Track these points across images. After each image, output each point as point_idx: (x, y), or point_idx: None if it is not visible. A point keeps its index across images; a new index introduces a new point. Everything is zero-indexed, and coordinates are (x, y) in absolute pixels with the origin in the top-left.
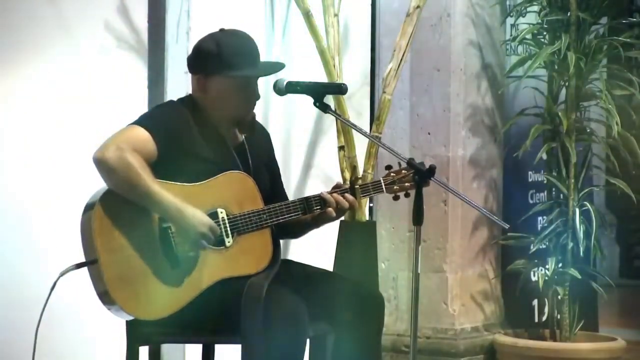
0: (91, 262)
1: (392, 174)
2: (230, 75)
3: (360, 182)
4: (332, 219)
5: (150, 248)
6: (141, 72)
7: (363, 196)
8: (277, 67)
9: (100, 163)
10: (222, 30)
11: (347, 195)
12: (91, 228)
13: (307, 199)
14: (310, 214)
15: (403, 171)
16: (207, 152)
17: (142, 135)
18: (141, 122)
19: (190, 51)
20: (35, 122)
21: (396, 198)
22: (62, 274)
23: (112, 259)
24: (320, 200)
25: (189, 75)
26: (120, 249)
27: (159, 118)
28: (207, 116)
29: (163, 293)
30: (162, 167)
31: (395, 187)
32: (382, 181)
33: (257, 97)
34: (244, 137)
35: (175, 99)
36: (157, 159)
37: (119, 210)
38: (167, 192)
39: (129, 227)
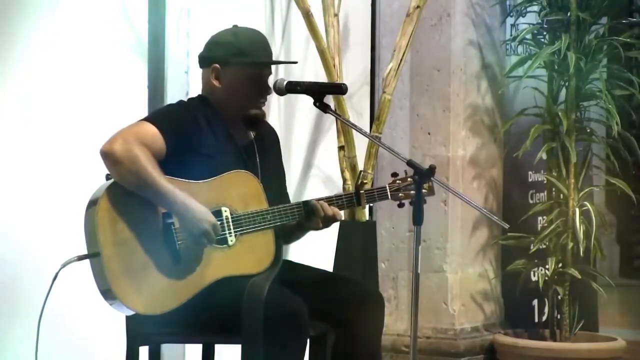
0: (93, 255)
1: (397, 181)
2: (246, 63)
3: (365, 187)
4: (316, 228)
5: (153, 243)
6: (141, 72)
7: (368, 202)
8: (289, 60)
9: (107, 155)
10: (235, 26)
11: (333, 207)
12: (94, 221)
13: (309, 202)
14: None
15: (409, 179)
16: (214, 151)
17: (151, 130)
18: (150, 118)
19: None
20: (35, 122)
21: (401, 205)
22: (63, 265)
23: (115, 253)
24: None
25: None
26: (123, 243)
27: (169, 116)
28: (218, 114)
29: (164, 288)
30: (169, 165)
31: (400, 194)
32: (387, 188)
33: (269, 90)
34: (253, 137)
35: (185, 99)
36: (164, 156)
37: (122, 204)
38: (173, 186)
39: (132, 222)
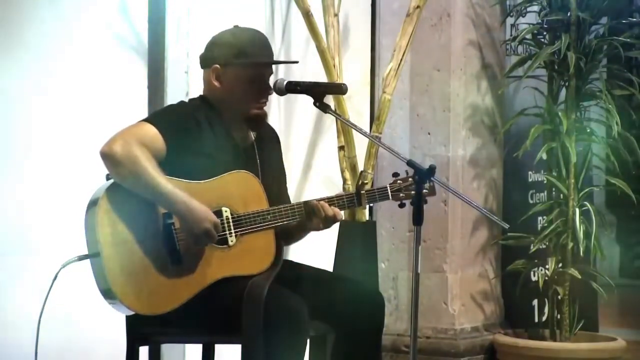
0: (94, 255)
1: (398, 182)
2: (246, 63)
3: (366, 187)
4: (317, 229)
5: (153, 243)
6: (141, 72)
7: (368, 202)
8: (289, 60)
9: (107, 156)
10: (236, 26)
11: (334, 208)
12: (95, 222)
13: (310, 202)
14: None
15: (410, 179)
16: (215, 151)
17: (151, 131)
18: (150, 119)
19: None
20: (35, 122)
21: (402, 205)
22: (64, 265)
23: (115, 253)
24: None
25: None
26: (123, 243)
27: (169, 116)
28: (219, 115)
29: (164, 288)
30: (169, 165)
31: (401, 194)
32: (388, 188)
33: (270, 91)
34: (254, 138)
35: (185, 99)
36: (165, 157)
37: (122, 204)
38: (173, 187)
39: (132, 222)
